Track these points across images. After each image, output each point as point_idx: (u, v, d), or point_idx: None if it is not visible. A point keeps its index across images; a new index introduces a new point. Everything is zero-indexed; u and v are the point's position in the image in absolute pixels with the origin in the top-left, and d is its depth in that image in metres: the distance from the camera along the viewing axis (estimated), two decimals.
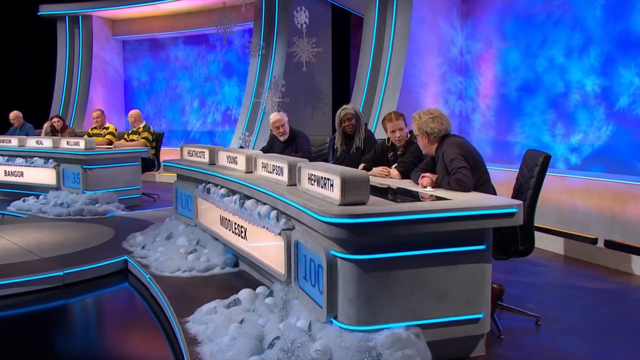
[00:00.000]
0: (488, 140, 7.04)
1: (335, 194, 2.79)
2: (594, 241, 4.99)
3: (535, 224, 5.45)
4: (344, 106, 4.90)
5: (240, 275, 4.37)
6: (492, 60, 6.94)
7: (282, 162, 3.65)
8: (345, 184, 2.71)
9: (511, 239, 3.25)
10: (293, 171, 3.46)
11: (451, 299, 2.81)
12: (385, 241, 2.69)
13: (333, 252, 2.76)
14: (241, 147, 5.53)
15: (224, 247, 4.61)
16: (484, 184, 3.37)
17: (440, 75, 7.27)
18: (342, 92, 9.50)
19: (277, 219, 3.47)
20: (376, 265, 2.69)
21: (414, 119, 3.59)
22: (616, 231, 4.85)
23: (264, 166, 4.00)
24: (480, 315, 2.88)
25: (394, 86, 6.89)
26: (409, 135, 4.23)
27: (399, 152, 4.26)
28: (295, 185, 3.40)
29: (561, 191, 5.43)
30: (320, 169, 3.02)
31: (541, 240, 5.46)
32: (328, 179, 2.89)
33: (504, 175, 5.50)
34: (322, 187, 2.99)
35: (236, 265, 4.53)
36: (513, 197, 3.52)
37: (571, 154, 5.98)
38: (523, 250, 3.29)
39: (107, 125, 8.31)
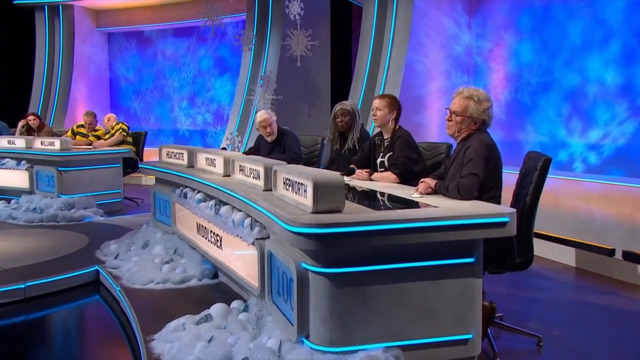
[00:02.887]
0: (497, 141, 6.95)
1: (308, 200, 2.73)
2: (611, 252, 4.90)
3: (547, 233, 5.47)
4: (343, 102, 4.91)
5: (218, 287, 4.33)
6: (503, 54, 6.86)
7: (258, 165, 3.60)
8: (318, 189, 2.65)
9: (507, 251, 3.18)
10: (269, 175, 3.41)
11: (436, 317, 2.74)
12: (361, 253, 2.63)
13: (304, 265, 2.70)
14: (223, 148, 5.48)
15: (202, 257, 4.57)
16: (493, 198, 3.24)
17: (445, 72, 7.20)
18: (342, 88, 9.41)
19: (251, 228, 3.42)
20: (351, 279, 2.63)
21: (472, 99, 3.29)
22: (637, 241, 4.75)
23: (242, 169, 3.96)
24: (470, 336, 2.80)
25: (394, 82, 6.83)
26: (395, 125, 4.22)
27: (386, 143, 4.23)
28: (271, 190, 3.35)
29: (576, 196, 5.35)
30: (293, 173, 2.97)
31: (551, 251, 5.38)
32: (302, 184, 2.84)
33: (513, 180, 5.41)
34: (296, 193, 2.93)
35: (215, 276, 4.49)
36: (512, 203, 3.45)
37: (590, 152, 5.87)
38: (520, 263, 3.22)
39: (97, 127, 8.32)
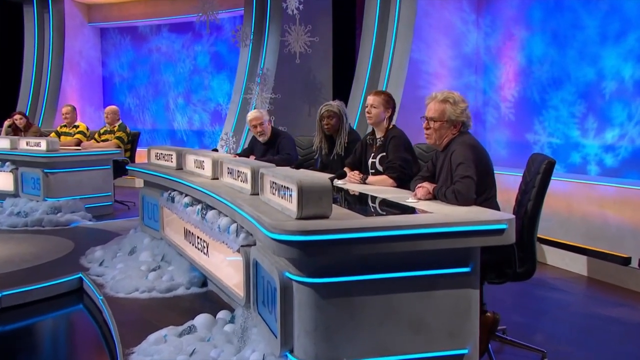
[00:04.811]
0: (505, 142, 6.91)
1: (293, 205, 2.70)
2: (626, 261, 4.84)
3: (557, 240, 5.42)
4: (330, 102, 4.84)
5: (206, 296, 4.31)
6: (513, 52, 6.81)
7: (245, 167, 3.58)
8: (303, 194, 2.62)
9: (507, 260, 3.13)
10: (256, 178, 3.38)
11: (429, 330, 2.69)
12: (348, 262, 2.59)
13: (288, 274, 2.67)
14: (215, 149, 5.46)
15: (190, 264, 4.55)
16: (488, 200, 3.23)
17: (452, 71, 7.16)
18: (344, 86, 9.37)
19: (237, 234, 3.40)
20: (337, 290, 2.59)
21: (448, 101, 3.29)
22: None
23: (230, 172, 3.94)
24: (465, 351, 2.75)
25: (397, 80, 6.80)
26: (389, 124, 4.20)
27: (378, 142, 4.19)
28: (258, 194, 3.33)
29: (590, 201, 5.29)
30: (279, 177, 2.94)
31: (562, 259, 5.33)
32: (287, 188, 2.81)
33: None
34: (282, 198, 2.91)
35: (204, 284, 4.47)
36: (515, 209, 3.40)
37: (605, 154, 5.80)
38: (521, 273, 3.16)
39: (77, 123, 8.31)
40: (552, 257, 5.50)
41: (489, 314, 3.16)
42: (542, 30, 6.47)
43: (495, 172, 6.28)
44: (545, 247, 5.52)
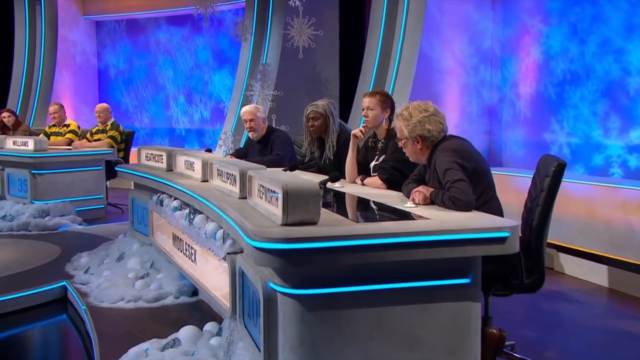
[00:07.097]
0: (521, 142, 6.83)
1: (278, 210, 2.66)
2: None
3: (577, 247, 5.34)
4: (315, 102, 4.83)
5: (196, 306, 4.30)
6: (530, 46, 6.74)
7: (234, 169, 3.54)
8: (289, 199, 2.57)
9: (513, 270, 3.06)
10: (244, 180, 3.35)
11: (424, 347, 2.64)
12: (336, 272, 2.54)
13: (272, 285, 2.63)
14: (208, 150, 5.45)
15: (180, 272, 4.54)
16: (487, 203, 3.19)
17: (466, 65, 7.10)
18: (353, 83, 9.34)
19: (224, 240, 3.37)
20: (325, 302, 2.55)
21: (400, 118, 3.35)
22: None
23: (219, 174, 3.91)
24: None
25: (406, 76, 6.75)
26: (389, 125, 4.15)
27: (380, 145, 4.15)
28: (246, 198, 3.29)
29: (613, 206, 5.20)
30: (266, 179, 2.90)
31: (580, 268, 5.25)
32: (274, 192, 2.77)
33: None
34: (269, 202, 2.87)
35: (195, 293, 4.45)
36: (524, 216, 3.34)
37: (630, 155, 5.71)
38: (529, 284, 3.09)
39: (67, 122, 8.34)
40: (570, 266, 5.41)
41: (494, 331, 3.10)
42: (560, 23, 6.38)
43: (510, 174, 6.21)
44: (563, 256, 5.44)
